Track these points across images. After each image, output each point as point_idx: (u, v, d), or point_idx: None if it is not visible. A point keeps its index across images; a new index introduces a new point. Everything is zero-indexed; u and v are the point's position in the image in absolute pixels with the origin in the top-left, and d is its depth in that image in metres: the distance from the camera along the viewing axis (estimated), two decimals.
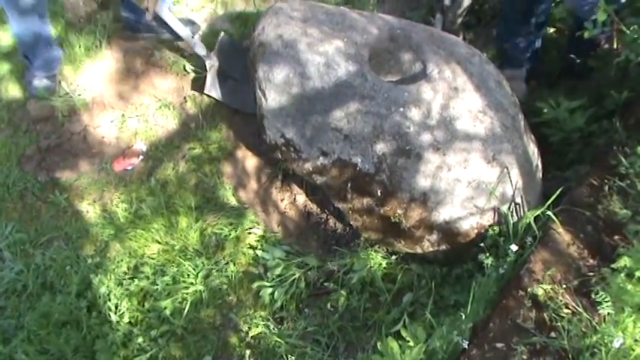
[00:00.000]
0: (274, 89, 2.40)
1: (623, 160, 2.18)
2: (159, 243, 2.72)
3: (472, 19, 3.37)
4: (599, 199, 2.18)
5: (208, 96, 2.99)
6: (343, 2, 3.48)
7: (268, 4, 3.37)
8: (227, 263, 2.71)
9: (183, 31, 2.89)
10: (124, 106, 3.01)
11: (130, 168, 2.91)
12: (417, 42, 2.51)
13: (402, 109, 2.28)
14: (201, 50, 2.95)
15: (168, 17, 2.81)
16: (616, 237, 2.06)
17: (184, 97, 3.06)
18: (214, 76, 2.95)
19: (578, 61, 2.92)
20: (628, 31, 2.23)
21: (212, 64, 2.95)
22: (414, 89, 2.33)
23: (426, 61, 2.44)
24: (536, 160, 2.47)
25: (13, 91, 3.05)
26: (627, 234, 2.00)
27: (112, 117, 2.98)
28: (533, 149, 2.46)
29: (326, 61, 2.36)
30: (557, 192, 2.16)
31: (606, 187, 2.19)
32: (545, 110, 2.69)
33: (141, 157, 2.94)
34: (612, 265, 1.83)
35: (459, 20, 2.97)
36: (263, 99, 2.43)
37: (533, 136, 2.54)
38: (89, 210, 2.82)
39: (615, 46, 2.64)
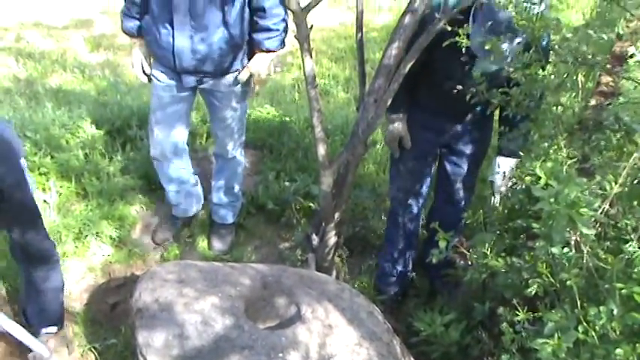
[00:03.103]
0: (155, 354, 2.38)
1: None
2: None
3: (344, 252, 3.63)
4: None
5: None
6: (223, 253, 3.66)
7: (147, 264, 3.48)
8: None
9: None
10: None
11: None
12: (288, 286, 2.66)
13: (281, 355, 2.33)
14: None
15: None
16: None
17: None
18: None
19: (443, 278, 3.20)
20: (467, 253, 2.51)
21: None
22: (290, 333, 2.42)
23: (299, 303, 2.57)
24: None
25: None
26: None
27: None
28: None
29: (203, 319, 2.42)
30: None
31: None
32: (422, 328, 2.84)
33: None
34: None
35: (329, 257, 3.20)
36: None
37: (412, 358, 2.64)
38: None
39: (470, 262, 2.92)
